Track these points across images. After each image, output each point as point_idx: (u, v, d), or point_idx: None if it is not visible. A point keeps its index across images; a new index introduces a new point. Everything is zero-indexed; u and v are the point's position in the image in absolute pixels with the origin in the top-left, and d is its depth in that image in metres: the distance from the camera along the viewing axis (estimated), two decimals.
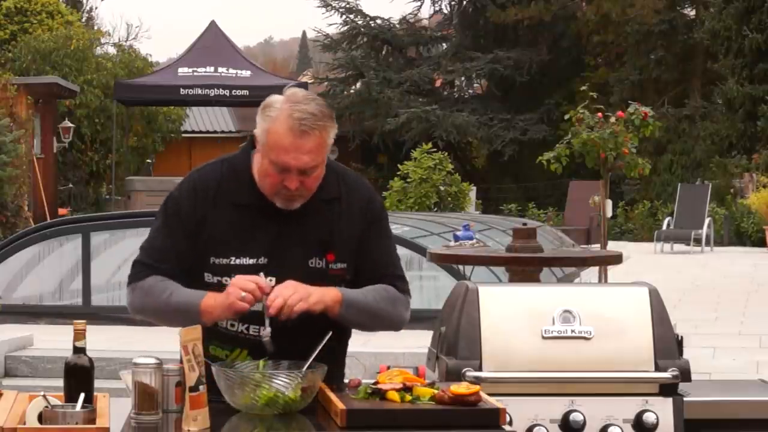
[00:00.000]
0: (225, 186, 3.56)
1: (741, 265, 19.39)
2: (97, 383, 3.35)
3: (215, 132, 37.71)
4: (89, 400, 3.22)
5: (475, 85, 38.81)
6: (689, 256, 21.37)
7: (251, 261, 3.51)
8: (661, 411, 3.77)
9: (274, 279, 3.50)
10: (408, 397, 3.24)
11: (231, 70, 23.64)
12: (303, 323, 3.44)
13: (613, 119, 13.14)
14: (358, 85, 36.33)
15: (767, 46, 29.37)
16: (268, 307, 3.39)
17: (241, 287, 3.39)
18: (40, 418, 3.18)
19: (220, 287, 3.51)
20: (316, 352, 3.38)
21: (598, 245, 14.49)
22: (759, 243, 23.75)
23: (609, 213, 14.03)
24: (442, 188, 20.06)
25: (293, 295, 3.39)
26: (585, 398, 3.77)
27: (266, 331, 3.40)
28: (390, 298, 3.60)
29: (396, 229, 12.09)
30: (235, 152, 3.67)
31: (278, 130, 3.42)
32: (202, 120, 37.46)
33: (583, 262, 10.38)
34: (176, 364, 3.32)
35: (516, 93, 35.52)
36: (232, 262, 3.52)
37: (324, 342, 3.41)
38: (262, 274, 3.48)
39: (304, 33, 76.65)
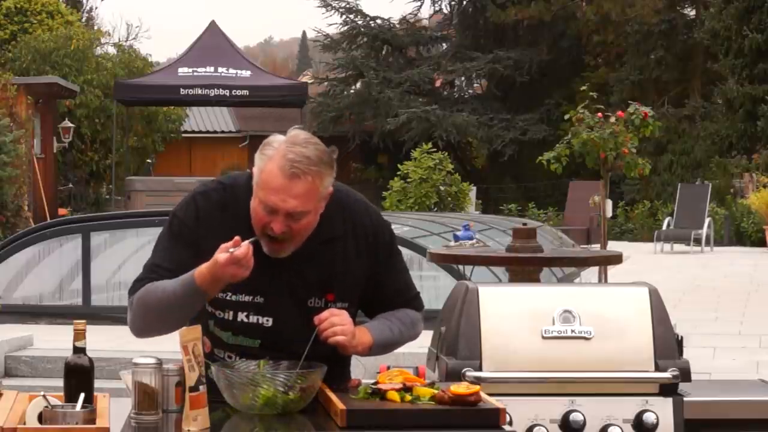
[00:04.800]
0: (227, 217, 3.47)
1: (741, 265, 19.38)
2: (97, 383, 3.36)
3: (215, 132, 37.71)
4: (89, 400, 3.22)
5: (475, 85, 38.83)
6: (689, 256, 21.37)
7: (248, 299, 3.45)
8: (661, 411, 3.77)
9: (271, 320, 3.47)
10: (408, 397, 3.24)
11: (231, 70, 23.63)
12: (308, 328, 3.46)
13: (613, 119, 13.15)
14: (358, 85, 36.34)
15: (767, 46, 29.38)
16: (316, 324, 3.39)
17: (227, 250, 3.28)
18: (40, 418, 3.18)
19: (212, 318, 3.49)
20: (306, 351, 3.38)
21: (598, 245, 14.49)
22: (759, 243, 23.76)
23: (609, 213, 14.04)
24: (442, 188, 20.06)
25: (343, 326, 3.40)
26: (585, 398, 3.77)
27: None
28: (411, 322, 3.65)
29: (396, 229, 12.00)
30: (240, 179, 3.55)
31: (271, 169, 3.33)
32: (202, 120, 37.46)
33: (583, 262, 10.38)
34: (176, 364, 3.31)
35: (516, 93, 35.53)
36: (228, 298, 3.46)
37: (311, 341, 3.40)
38: (255, 317, 3.46)
39: (304, 33, 76.75)
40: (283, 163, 3.32)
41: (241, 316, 3.47)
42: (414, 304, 3.68)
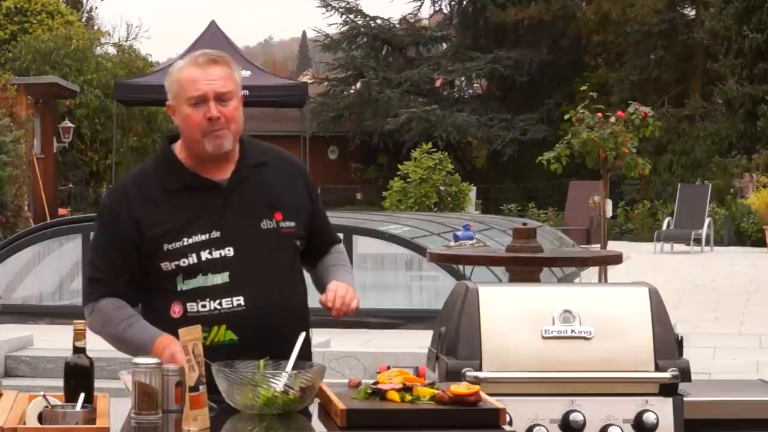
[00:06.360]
0: (156, 179, 3.67)
1: (741, 265, 19.38)
2: (97, 383, 3.35)
3: None
4: (89, 400, 3.22)
5: (475, 85, 38.84)
6: (689, 256, 21.36)
7: (204, 237, 3.59)
8: (661, 411, 3.77)
9: (231, 248, 3.58)
10: (408, 397, 3.24)
11: None
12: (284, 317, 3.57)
13: (613, 119, 13.14)
14: (358, 85, 36.34)
15: (767, 46, 29.39)
16: (330, 309, 3.59)
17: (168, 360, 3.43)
18: (40, 418, 3.18)
19: (177, 274, 3.58)
20: (296, 353, 3.40)
21: (598, 245, 14.49)
22: (759, 243, 23.75)
23: (609, 213, 14.04)
24: (442, 188, 20.06)
25: (347, 293, 3.62)
26: (585, 398, 3.76)
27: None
28: (345, 257, 3.93)
29: (396, 229, 12.06)
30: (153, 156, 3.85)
31: (184, 70, 3.63)
32: None
33: (583, 262, 10.38)
34: (176, 364, 3.31)
35: (516, 93, 35.55)
36: (185, 243, 3.59)
37: (299, 344, 3.43)
38: (217, 251, 3.57)
39: (304, 33, 76.77)
40: (195, 60, 3.63)
41: (204, 255, 3.59)
42: (336, 239, 3.95)
